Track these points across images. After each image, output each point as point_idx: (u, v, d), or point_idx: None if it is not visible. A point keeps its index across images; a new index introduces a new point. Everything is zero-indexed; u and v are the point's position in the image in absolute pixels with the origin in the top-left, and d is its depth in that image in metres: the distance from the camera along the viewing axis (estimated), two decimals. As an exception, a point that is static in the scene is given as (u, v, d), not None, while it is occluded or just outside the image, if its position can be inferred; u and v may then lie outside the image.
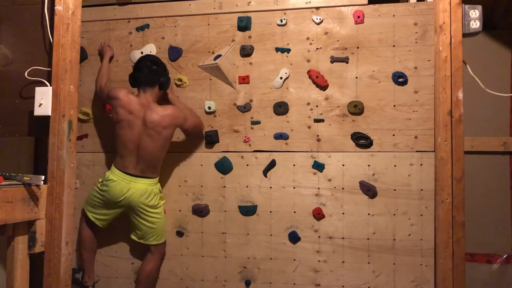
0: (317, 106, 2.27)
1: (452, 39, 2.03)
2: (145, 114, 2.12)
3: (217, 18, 2.38)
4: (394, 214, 2.19)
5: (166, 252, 2.36)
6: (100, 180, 2.24)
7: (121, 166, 2.17)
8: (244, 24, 2.33)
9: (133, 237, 2.28)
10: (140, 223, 2.20)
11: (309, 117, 2.28)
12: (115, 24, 2.48)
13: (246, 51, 2.33)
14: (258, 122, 2.32)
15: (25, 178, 1.77)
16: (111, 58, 2.43)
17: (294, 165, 2.28)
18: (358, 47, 2.25)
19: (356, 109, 2.23)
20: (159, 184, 2.25)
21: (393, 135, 2.21)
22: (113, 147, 2.44)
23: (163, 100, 2.28)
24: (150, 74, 2.16)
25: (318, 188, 2.26)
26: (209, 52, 2.38)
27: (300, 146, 2.28)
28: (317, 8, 2.30)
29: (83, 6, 2.07)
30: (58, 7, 1.97)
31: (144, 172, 2.16)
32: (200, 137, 2.35)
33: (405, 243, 2.18)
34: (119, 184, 2.13)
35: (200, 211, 2.34)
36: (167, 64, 2.40)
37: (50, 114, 1.93)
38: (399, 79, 2.20)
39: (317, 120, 2.27)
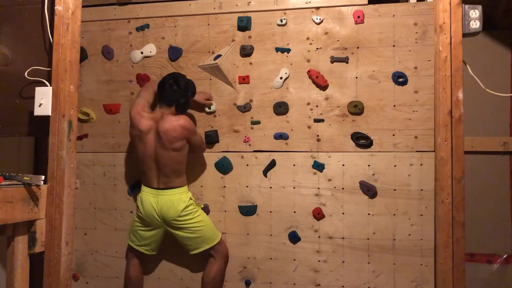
0: (317, 106, 2.27)
1: (452, 39, 2.03)
2: (157, 126, 2.10)
3: (217, 18, 2.38)
4: (394, 214, 2.19)
5: (166, 252, 2.36)
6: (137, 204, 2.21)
7: (145, 181, 2.17)
8: (244, 24, 2.33)
9: (190, 252, 2.20)
10: (184, 236, 2.15)
11: (309, 117, 2.28)
12: (115, 24, 2.48)
13: (246, 51, 2.33)
14: (258, 122, 2.32)
15: (25, 178, 1.77)
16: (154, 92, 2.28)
17: (294, 165, 2.28)
18: (358, 47, 2.25)
19: (356, 109, 2.23)
20: (189, 192, 2.19)
21: (393, 135, 2.21)
22: (114, 147, 2.45)
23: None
24: (169, 94, 2.12)
25: (318, 188, 2.26)
26: (209, 52, 2.38)
27: (300, 146, 2.28)
28: (317, 8, 2.30)
29: (83, 6, 2.07)
30: (58, 7, 1.97)
31: (167, 184, 2.12)
32: (200, 157, 2.33)
33: (405, 243, 2.18)
34: (148, 197, 2.12)
35: (200, 211, 2.34)
36: (167, 64, 2.41)
37: (50, 114, 1.94)
38: (399, 79, 2.20)
39: (317, 120, 2.27)
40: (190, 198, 2.17)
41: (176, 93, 2.12)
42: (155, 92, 2.24)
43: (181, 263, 2.36)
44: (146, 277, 2.39)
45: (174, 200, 2.10)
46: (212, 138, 2.34)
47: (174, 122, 2.09)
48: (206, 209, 2.33)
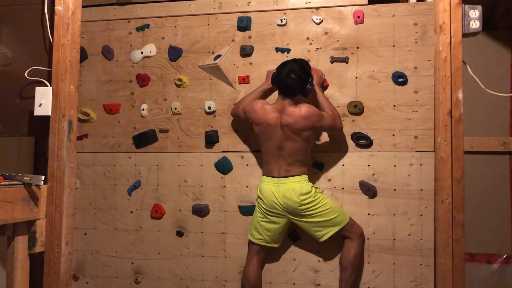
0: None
1: (452, 39, 2.03)
2: (281, 119, 2.07)
3: (217, 18, 2.38)
4: (394, 214, 2.19)
5: (166, 252, 2.37)
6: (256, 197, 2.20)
7: (267, 172, 2.14)
8: (244, 24, 2.33)
9: (320, 240, 2.13)
10: (309, 223, 2.10)
11: (309, 117, 2.27)
12: (115, 24, 2.48)
13: (246, 51, 2.33)
14: (258, 122, 2.31)
15: (25, 178, 1.77)
16: (266, 90, 2.22)
17: (294, 165, 2.28)
18: (358, 47, 2.25)
19: (356, 109, 2.23)
20: (310, 182, 2.11)
21: (393, 135, 2.21)
22: (114, 147, 2.45)
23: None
24: (288, 85, 2.07)
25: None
26: (209, 52, 2.38)
27: (300, 146, 2.28)
28: (317, 8, 2.30)
29: (83, 6, 2.06)
30: (58, 7, 1.96)
31: (288, 173, 2.09)
32: (339, 134, 2.24)
33: (405, 243, 2.18)
34: (268, 186, 2.11)
35: (200, 211, 2.34)
36: (167, 64, 2.41)
37: (50, 114, 1.93)
38: (399, 79, 2.20)
39: (317, 120, 2.27)
40: (312, 186, 2.11)
41: (295, 82, 2.06)
42: (265, 91, 2.21)
43: (180, 263, 2.36)
44: (146, 277, 2.39)
45: (296, 187, 2.06)
46: (212, 138, 2.34)
47: (295, 114, 2.05)
48: (206, 209, 2.34)
